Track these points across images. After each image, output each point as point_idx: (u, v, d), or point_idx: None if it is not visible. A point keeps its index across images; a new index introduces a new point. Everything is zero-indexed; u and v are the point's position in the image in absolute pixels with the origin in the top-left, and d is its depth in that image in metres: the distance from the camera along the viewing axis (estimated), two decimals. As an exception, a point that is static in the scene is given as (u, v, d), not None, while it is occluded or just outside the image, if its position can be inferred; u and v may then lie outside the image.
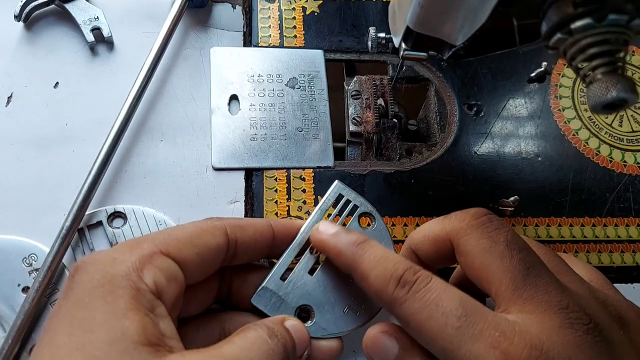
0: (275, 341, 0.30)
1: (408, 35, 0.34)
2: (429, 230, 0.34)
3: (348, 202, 0.38)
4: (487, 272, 0.30)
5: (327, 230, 0.34)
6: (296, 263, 0.37)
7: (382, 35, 0.43)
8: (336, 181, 0.38)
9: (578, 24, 0.24)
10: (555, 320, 0.27)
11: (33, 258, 0.38)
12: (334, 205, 0.38)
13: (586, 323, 0.27)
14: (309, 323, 0.35)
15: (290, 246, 0.37)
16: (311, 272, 0.36)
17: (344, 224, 0.38)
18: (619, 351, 0.28)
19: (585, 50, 0.25)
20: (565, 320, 0.27)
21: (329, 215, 0.38)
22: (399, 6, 0.35)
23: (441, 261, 0.35)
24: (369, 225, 0.38)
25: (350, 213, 0.38)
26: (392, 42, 0.41)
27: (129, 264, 0.27)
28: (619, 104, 0.24)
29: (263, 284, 0.36)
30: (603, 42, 0.24)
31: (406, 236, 0.42)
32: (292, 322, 0.33)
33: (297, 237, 0.37)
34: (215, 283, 0.34)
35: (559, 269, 0.32)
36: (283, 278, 0.36)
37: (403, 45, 0.37)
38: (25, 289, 0.38)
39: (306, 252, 0.36)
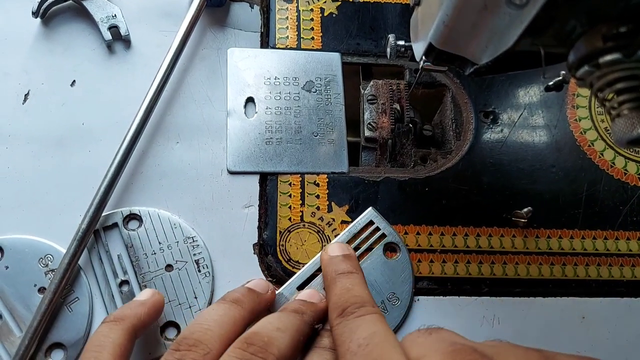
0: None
1: (430, 51, 0.34)
2: None
3: (377, 229, 0.41)
4: None
5: (332, 252, 0.39)
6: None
7: (402, 43, 0.42)
8: (370, 208, 0.42)
9: (607, 58, 0.24)
10: None
11: (49, 259, 0.39)
12: (365, 229, 0.42)
13: None
14: None
15: (312, 260, 0.39)
16: None
17: (371, 249, 0.41)
18: None
19: (613, 85, 0.24)
20: None
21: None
22: (422, 21, 0.35)
23: None
24: (394, 252, 0.41)
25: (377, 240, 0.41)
26: (411, 49, 0.41)
27: None
28: (644, 140, 0.24)
29: (279, 290, 0.37)
30: (631, 77, 0.24)
31: (419, 245, 0.42)
32: (305, 293, 0.38)
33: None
34: None
35: None
36: (300, 288, 0.37)
37: (424, 57, 0.36)
38: (41, 290, 0.38)
39: None
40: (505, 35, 0.28)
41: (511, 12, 0.27)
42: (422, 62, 0.38)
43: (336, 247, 0.39)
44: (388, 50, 0.43)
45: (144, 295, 0.36)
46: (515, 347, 0.27)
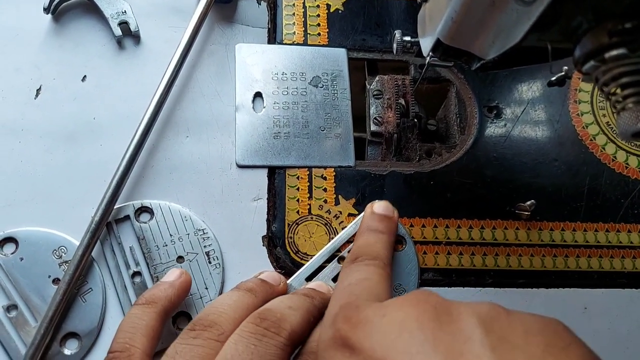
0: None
1: (438, 46, 0.34)
2: None
3: None
4: None
5: (376, 208, 0.40)
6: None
7: (408, 39, 0.43)
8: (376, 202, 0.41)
9: (612, 53, 0.25)
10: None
11: (63, 250, 0.40)
12: None
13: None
14: None
15: (320, 252, 0.39)
16: (335, 279, 0.38)
17: None
18: None
19: (618, 79, 0.25)
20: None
21: None
22: (429, 17, 0.36)
23: None
24: (400, 244, 0.42)
25: None
26: (417, 45, 0.42)
27: None
28: (648, 133, 0.25)
29: (288, 281, 0.38)
30: (636, 72, 0.25)
31: (424, 237, 0.43)
32: (314, 284, 0.38)
33: (329, 244, 0.40)
34: None
35: None
36: (308, 279, 0.38)
37: (431, 52, 0.37)
38: (55, 281, 0.39)
39: (334, 261, 0.39)
40: (513, 31, 0.29)
41: (519, 8, 0.28)
42: (428, 58, 0.39)
43: (382, 206, 0.40)
44: (394, 45, 0.44)
45: (172, 276, 0.37)
46: (480, 303, 0.26)
